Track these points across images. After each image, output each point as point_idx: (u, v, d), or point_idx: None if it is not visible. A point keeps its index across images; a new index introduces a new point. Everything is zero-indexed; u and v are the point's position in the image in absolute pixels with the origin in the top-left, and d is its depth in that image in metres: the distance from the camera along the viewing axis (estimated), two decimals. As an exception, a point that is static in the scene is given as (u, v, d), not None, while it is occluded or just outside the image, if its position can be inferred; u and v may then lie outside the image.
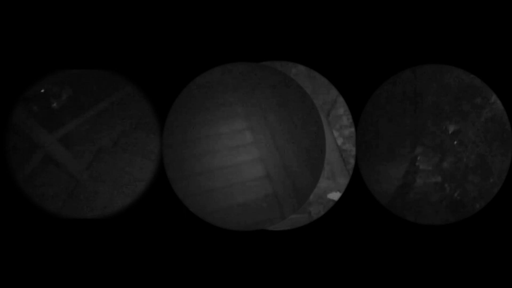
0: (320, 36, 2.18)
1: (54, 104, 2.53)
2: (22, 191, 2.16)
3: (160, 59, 2.18)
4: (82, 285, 2.10)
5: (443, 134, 2.08)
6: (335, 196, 2.41)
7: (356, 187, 2.17)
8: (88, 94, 2.70)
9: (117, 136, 2.74)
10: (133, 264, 2.13)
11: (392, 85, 2.15)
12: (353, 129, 2.34)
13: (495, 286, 2.10)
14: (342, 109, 2.62)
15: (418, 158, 2.18)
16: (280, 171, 2.58)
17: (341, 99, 2.46)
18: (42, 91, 2.45)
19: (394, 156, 2.25)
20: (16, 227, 2.11)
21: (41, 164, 2.46)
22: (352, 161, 2.44)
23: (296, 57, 2.20)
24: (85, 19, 2.13)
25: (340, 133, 2.59)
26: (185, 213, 2.18)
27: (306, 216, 2.41)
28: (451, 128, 2.09)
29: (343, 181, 2.42)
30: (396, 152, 2.23)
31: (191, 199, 2.37)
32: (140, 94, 2.19)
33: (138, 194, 2.25)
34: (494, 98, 2.09)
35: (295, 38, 2.19)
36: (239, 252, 2.15)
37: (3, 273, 2.08)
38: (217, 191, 2.48)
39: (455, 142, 2.04)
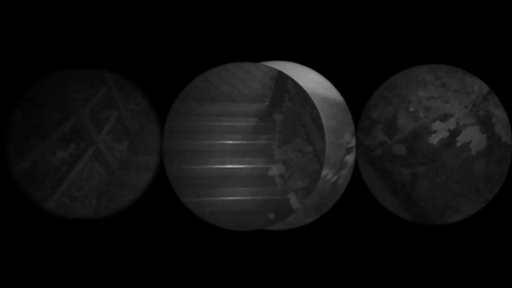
0: (320, 36, 2.19)
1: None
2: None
3: (160, 59, 2.18)
4: (81, 285, 2.10)
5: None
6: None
7: (356, 187, 2.17)
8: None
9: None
10: (133, 264, 2.13)
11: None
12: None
13: (495, 286, 2.11)
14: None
15: None
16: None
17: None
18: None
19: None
20: (16, 227, 2.11)
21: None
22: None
23: (296, 57, 2.20)
24: (85, 19, 2.13)
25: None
26: (185, 213, 2.18)
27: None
28: None
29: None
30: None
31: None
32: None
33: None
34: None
35: (295, 38, 2.19)
36: (239, 252, 2.15)
37: (3, 273, 2.08)
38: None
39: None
